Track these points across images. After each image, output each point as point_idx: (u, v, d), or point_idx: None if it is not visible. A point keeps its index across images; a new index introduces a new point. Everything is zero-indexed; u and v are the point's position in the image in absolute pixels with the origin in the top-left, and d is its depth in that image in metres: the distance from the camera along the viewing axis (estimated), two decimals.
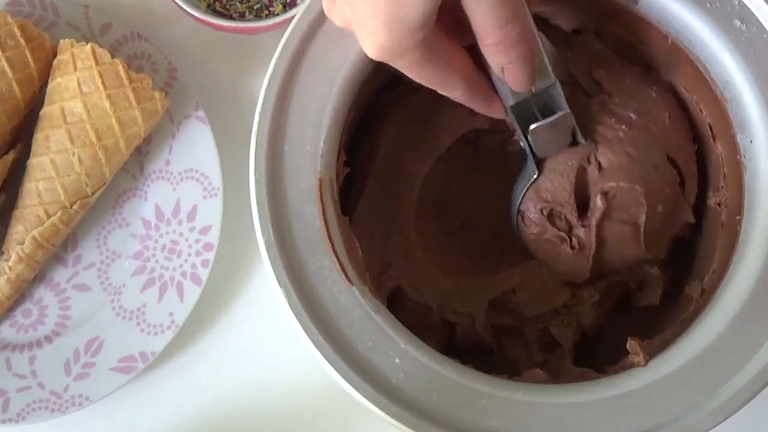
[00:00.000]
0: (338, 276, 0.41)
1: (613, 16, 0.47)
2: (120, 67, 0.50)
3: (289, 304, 0.40)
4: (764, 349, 0.40)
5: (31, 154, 0.52)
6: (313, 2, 0.43)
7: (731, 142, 0.44)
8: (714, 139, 0.47)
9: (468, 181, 0.51)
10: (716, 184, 0.47)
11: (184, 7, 0.52)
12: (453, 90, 0.40)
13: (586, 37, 0.49)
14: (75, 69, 0.50)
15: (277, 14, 0.55)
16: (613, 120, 0.46)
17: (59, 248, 0.54)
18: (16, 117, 0.52)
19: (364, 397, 0.39)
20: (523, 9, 0.37)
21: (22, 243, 0.51)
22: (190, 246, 0.53)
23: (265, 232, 0.41)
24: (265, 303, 0.55)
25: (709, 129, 0.47)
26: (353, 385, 0.39)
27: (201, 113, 0.54)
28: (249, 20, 0.55)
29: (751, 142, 0.43)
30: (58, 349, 0.53)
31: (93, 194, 0.52)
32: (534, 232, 0.46)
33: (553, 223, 0.46)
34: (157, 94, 0.51)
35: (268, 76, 0.42)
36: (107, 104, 0.50)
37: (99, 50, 0.50)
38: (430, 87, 0.39)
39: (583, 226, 0.46)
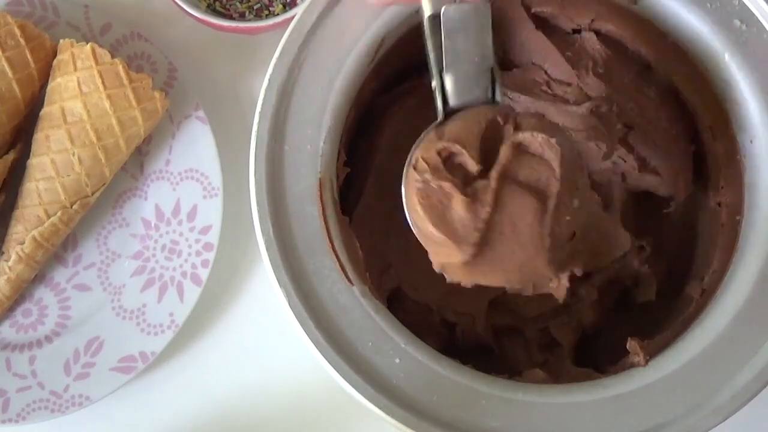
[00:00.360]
0: (338, 276, 0.41)
1: (613, 15, 0.47)
2: (120, 67, 0.50)
3: (289, 304, 0.40)
4: (764, 349, 0.40)
5: (31, 154, 0.52)
6: (313, 2, 0.43)
7: (731, 142, 0.45)
8: (714, 139, 0.47)
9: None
10: (716, 184, 0.47)
11: (184, 7, 0.52)
12: None
13: (586, 37, 0.49)
14: (75, 69, 0.50)
15: (277, 14, 0.55)
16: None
17: (59, 248, 0.54)
18: (16, 117, 0.52)
19: (364, 397, 0.39)
20: None
21: (22, 243, 0.51)
22: (190, 246, 0.53)
23: (265, 232, 0.41)
24: (265, 303, 0.55)
25: (709, 129, 0.47)
26: (353, 385, 0.39)
27: (201, 113, 0.54)
28: (249, 20, 0.55)
29: (751, 142, 0.43)
30: (58, 349, 0.53)
31: (93, 194, 0.52)
32: (423, 178, 0.38)
33: (448, 168, 0.39)
34: (157, 94, 0.51)
35: (268, 76, 0.42)
36: (107, 104, 0.50)
37: (99, 50, 0.50)
38: None
39: (481, 178, 0.38)
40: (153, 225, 0.54)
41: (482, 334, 0.48)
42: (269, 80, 0.42)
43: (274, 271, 0.40)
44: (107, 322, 0.53)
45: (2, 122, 0.51)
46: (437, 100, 0.40)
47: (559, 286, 0.41)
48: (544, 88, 0.49)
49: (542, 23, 0.49)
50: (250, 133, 0.42)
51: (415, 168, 0.39)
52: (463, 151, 0.38)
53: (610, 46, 0.49)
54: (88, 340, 0.53)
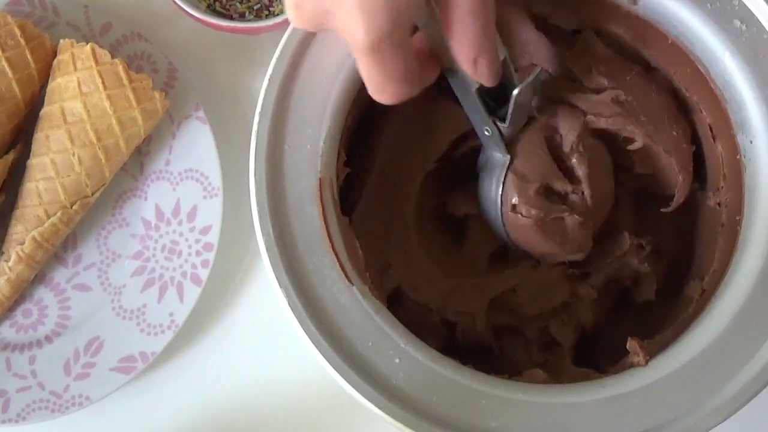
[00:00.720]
0: (338, 276, 0.41)
1: (613, 15, 0.47)
2: (120, 67, 0.50)
3: (289, 304, 0.40)
4: (764, 349, 0.40)
5: (31, 154, 0.52)
6: None
7: (731, 142, 0.44)
8: (714, 139, 0.47)
9: (468, 181, 0.51)
10: (716, 184, 0.47)
11: (184, 7, 0.52)
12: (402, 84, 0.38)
13: (586, 37, 0.49)
14: (75, 69, 0.50)
15: (277, 14, 0.55)
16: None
17: (59, 248, 0.54)
18: (16, 117, 0.52)
19: (364, 397, 0.39)
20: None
21: (22, 243, 0.51)
22: (190, 246, 0.53)
23: (265, 232, 0.41)
24: (265, 303, 0.55)
25: (709, 129, 0.47)
26: (353, 385, 0.39)
27: (201, 113, 0.54)
28: (249, 20, 0.55)
29: (751, 142, 0.43)
30: (58, 349, 0.53)
31: (93, 194, 0.52)
32: (538, 216, 0.44)
33: (552, 201, 0.45)
34: (157, 94, 0.51)
35: (268, 76, 0.42)
36: (107, 104, 0.50)
37: (99, 50, 0.50)
38: (379, 80, 0.37)
39: (575, 193, 0.45)
40: (153, 225, 0.54)
41: (482, 334, 0.48)
42: (269, 80, 0.42)
43: (274, 271, 0.40)
44: (107, 322, 0.53)
45: (2, 122, 0.51)
46: (500, 146, 0.44)
47: None
48: None
49: (542, 23, 0.49)
50: (250, 133, 0.42)
51: (520, 213, 0.44)
52: (553, 182, 0.44)
53: (610, 46, 0.49)
54: (88, 340, 0.53)
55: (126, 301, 0.53)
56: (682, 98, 0.48)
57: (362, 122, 0.49)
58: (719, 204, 0.47)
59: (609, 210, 0.48)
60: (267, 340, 0.55)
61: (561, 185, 0.44)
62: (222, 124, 0.55)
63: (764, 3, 0.43)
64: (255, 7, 0.55)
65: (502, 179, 0.44)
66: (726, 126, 0.45)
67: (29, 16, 0.54)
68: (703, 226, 0.49)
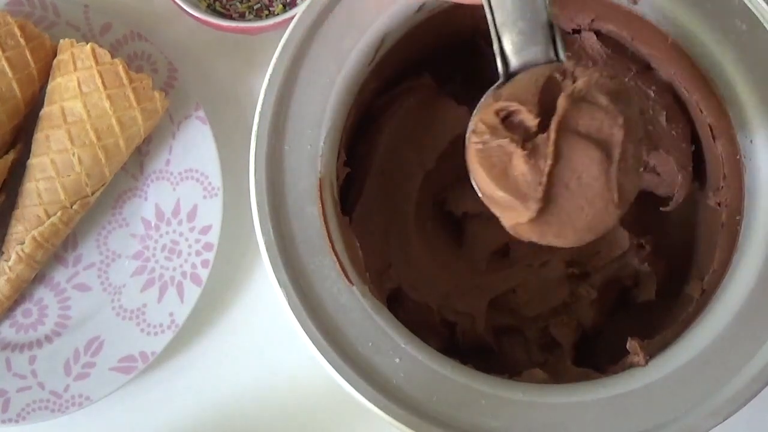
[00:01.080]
0: (338, 276, 0.41)
1: (613, 15, 0.47)
2: (120, 67, 0.50)
3: (289, 304, 0.40)
4: (764, 349, 0.40)
5: (31, 154, 0.52)
6: (313, 2, 0.43)
7: (731, 142, 0.45)
8: (714, 139, 0.47)
9: (468, 180, 0.51)
10: (716, 184, 0.47)
11: (184, 7, 0.52)
12: None
13: (586, 37, 0.49)
14: (75, 69, 0.50)
15: (277, 14, 0.55)
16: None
17: (59, 248, 0.54)
18: (16, 117, 0.52)
19: (364, 397, 0.39)
20: None
21: (22, 243, 0.51)
22: (190, 246, 0.53)
23: (265, 232, 0.41)
24: (265, 303, 0.55)
25: (709, 129, 0.47)
26: (353, 385, 0.39)
27: (201, 113, 0.54)
28: (249, 20, 0.55)
29: (751, 142, 0.43)
30: (58, 349, 0.53)
31: (93, 194, 0.52)
32: (482, 139, 0.37)
33: (506, 127, 0.37)
34: (157, 94, 0.51)
35: (268, 76, 0.42)
36: (107, 104, 0.50)
37: (99, 50, 0.50)
38: None
39: (540, 131, 0.37)
40: (153, 225, 0.54)
41: (482, 334, 0.48)
42: (269, 80, 0.42)
43: (274, 271, 0.40)
44: (107, 322, 0.53)
45: (2, 122, 0.51)
46: (498, 61, 0.39)
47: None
48: None
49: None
50: (250, 133, 0.42)
51: (474, 132, 0.38)
52: (521, 107, 0.37)
53: (610, 46, 0.49)
54: (88, 340, 0.53)
55: (126, 301, 0.53)
56: (682, 98, 0.48)
57: (362, 122, 0.49)
58: (719, 204, 0.47)
59: (580, 220, 0.37)
60: (267, 340, 0.55)
61: (529, 118, 0.37)
62: (222, 124, 0.55)
63: (764, 3, 0.43)
64: (255, 7, 0.55)
65: (483, 99, 0.39)
66: (726, 126, 0.45)
67: (29, 16, 0.54)
68: (703, 226, 0.49)
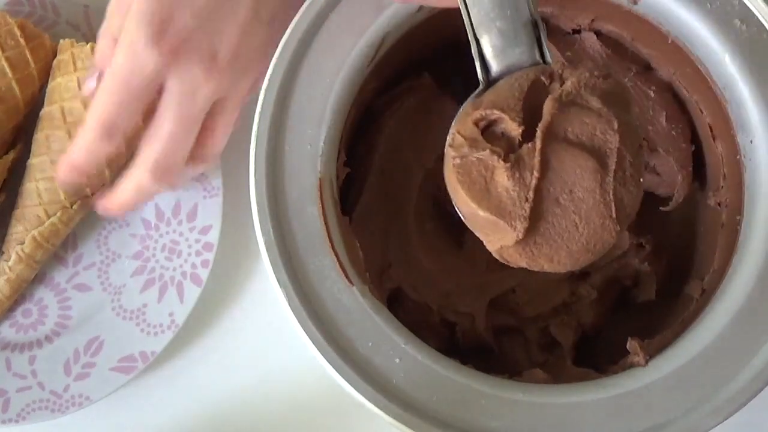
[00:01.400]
0: (338, 276, 0.41)
1: (613, 15, 0.47)
2: None
3: (289, 304, 0.40)
4: (764, 349, 0.40)
5: (31, 154, 0.52)
6: (313, 2, 0.43)
7: (731, 142, 0.44)
8: (714, 139, 0.47)
9: None
10: (716, 184, 0.47)
11: None
12: None
13: (586, 37, 0.49)
14: (75, 69, 0.50)
15: None
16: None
17: (59, 248, 0.54)
18: (16, 117, 0.52)
19: (364, 397, 0.39)
20: None
21: (22, 243, 0.51)
22: (190, 246, 0.53)
23: (265, 232, 0.41)
24: (265, 303, 0.55)
25: (709, 129, 0.47)
26: (353, 385, 0.39)
27: None
28: None
29: (751, 142, 0.43)
30: (58, 349, 0.53)
31: (93, 194, 0.52)
32: (460, 153, 0.34)
33: (487, 138, 0.34)
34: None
35: (268, 76, 0.42)
36: None
37: None
38: None
39: (525, 142, 0.33)
40: (153, 225, 0.54)
41: (482, 334, 0.48)
42: (269, 80, 0.42)
43: (274, 271, 0.40)
44: (107, 322, 0.53)
45: (2, 122, 0.51)
46: (477, 66, 0.35)
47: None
48: None
49: (543, 24, 0.49)
50: (250, 133, 0.42)
51: (451, 146, 0.34)
52: (502, 115, 0.33)
53: (610, 46, 0.49)
54: (88, 340, 0.53)
55: (126, 301, 0.53)
56: (682, 98, 0.48)
57: (362, 122, 0.49)
58: (719, 204, 0.47)
59: (573, 237, 0.34)
60: (267, 340, 0.55)
61: (513, 126, 0.33)
62: None
63: (764, 3, 0.43)
64: None
65: (462, 108, 0.36)
66: (726, 126, 0.45)
67: (29, 16, 0.54)
68: (703, 226, 0.49)
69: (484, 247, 0.50)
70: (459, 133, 0.34)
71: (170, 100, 0.42)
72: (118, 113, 0.42)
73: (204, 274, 0.53)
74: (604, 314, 0.50)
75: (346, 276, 0.41)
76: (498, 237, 0.34)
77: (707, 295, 0.43)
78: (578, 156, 0.32)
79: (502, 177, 0.33)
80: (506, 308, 0.49)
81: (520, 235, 0.33)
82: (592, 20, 0.48)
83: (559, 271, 0.34)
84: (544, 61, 0.35)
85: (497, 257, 0.35)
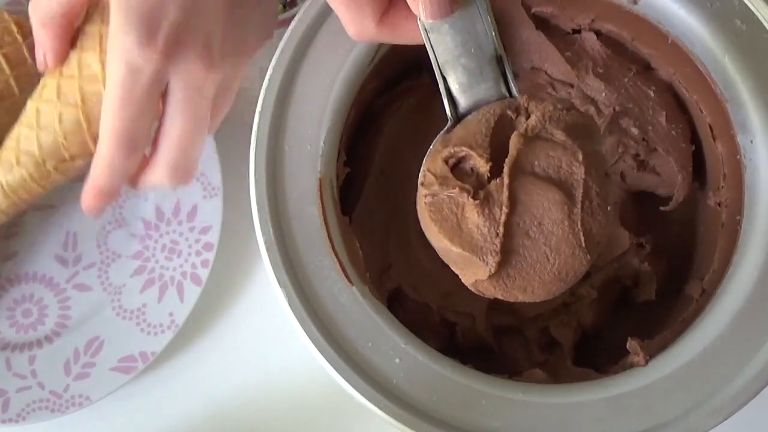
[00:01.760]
0: (338, 276, 0.41)
1: (613, 15, 0.47)
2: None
3: (289, 304, 0.40)
4: (764, 349, 0.40)
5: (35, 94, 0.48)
6: (313, 2, 0.43)
7: (731, 142, 0.45)
8: (714, 139, 0.47)
9: None
10: (716, 184, 0.47)
11: None
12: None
13: (586, 37, 0.49)
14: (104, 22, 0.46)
15: (278, 14, 0.55)
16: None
17: (59, 248, 0.54)
18: (14, 113, 0.52)
19: (364, 397, 0.39)
20: None
21: None
22: (190, 246, 0.53)
23: (265, 232, 0.41)
24: (265, 303, 0.55)
25: (709, 129, 0.47)
26: (353, 385, 0.39)
27: None
28: None
29: (751, 142, 0.43)
30: (58, 349, 0.53)
31: (73, 160, 0.47)
32: (431, 191, 0.35)
33: (456, 175, 0.35)
34: None
35: (268, 76, 0.42)
36: (98, 67, 0.46)
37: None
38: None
39: (492, 178, 0.34)
40: (153, 225, 0.54)
41: (482, 334, 0.48)
42: (269, 80, 0.42)
43: (274, 271, 0.40)
44: (107, 322, 0.53)
45: (1, 119, 0.51)
46: (445, 103, 0.36)
47: None
48: (550, 90, 0.49)
49: (542, 24, 0.49)
50: (250, 133, 0.42)
51: (422, 184, 0.35)
52: (471, 152, 0.34)
53: (610, 46, 0.49)
54: (88, 340, 0.53)
55: (126, 301, 0.53)
56: (682, 98, 0.48)
57: (362, 122, 0.49)
58: (719, 204, 0.47)
59: (544, 266, 0.34)
60: (267, 340, 0.55)
61: (481, 163, 0.34)
62: (222, 123, 0.55)
63: (764, 3, 0.43)
64: None
65: (432, 146, 0.37)
66: (726, 126, 0.45)
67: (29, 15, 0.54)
68: (703, 226, 0.49)
69: None
70: (429, 171, 0.35)
71: (177, 102, 0.40)
72: (133, 124, 0.40)
73: (204, 274, 0.53)
74: (604, 314, 0.50)
75: (346, 276, 0.41)
76: (472, 271, 0.35)
77: (707, 295, 0.43)
78: (545, 189, 0.33)
79: (472, 214, 0.34)
80: (506, 308, 0.49)
81: (493, 270, 0.34)
82: (592, 20, 0.48)
83: (534, 300, 0.35)
84: (511, 95, 0.36)
85: (473, 290, 0.36)
